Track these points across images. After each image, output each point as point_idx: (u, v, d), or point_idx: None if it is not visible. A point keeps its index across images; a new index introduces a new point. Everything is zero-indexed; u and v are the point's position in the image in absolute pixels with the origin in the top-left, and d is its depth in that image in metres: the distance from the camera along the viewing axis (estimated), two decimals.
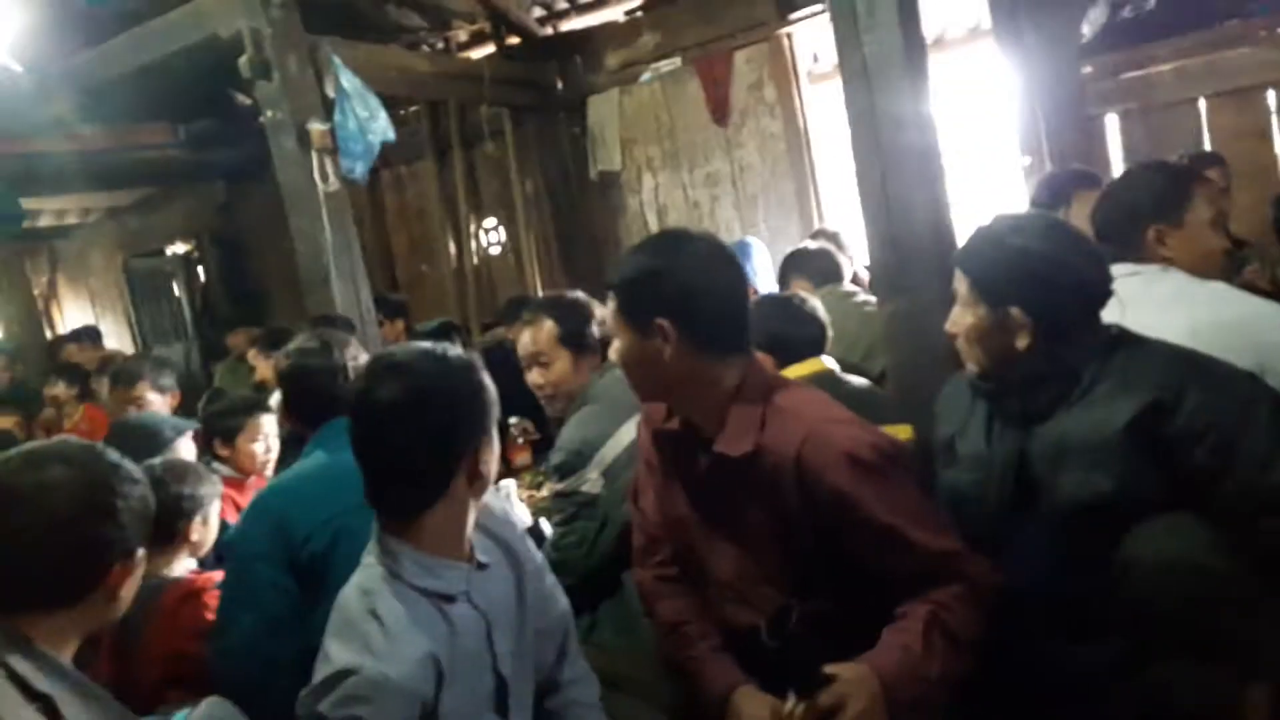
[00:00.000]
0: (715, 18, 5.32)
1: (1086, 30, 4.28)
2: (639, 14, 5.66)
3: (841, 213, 5.04)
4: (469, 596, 1.56)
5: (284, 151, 4.04)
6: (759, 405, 1.67)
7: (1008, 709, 1.67)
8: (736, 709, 1.65)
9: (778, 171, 5.36)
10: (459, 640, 1.52)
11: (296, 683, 1.47)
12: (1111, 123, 4.32)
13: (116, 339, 8.70)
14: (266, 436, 3.07)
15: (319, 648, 1.48)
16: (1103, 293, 1.68)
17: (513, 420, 3.63)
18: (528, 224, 6.24)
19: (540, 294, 6.12)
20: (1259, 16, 4.01)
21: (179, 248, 8.78)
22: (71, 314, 9.70)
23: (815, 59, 5.35)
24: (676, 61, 5.51)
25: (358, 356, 2.27)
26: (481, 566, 1.61)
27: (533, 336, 2.51)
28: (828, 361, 2.55)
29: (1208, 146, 4.05)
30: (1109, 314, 1.70)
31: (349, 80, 4.15)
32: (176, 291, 8.58)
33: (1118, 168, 4.20)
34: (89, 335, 7.34)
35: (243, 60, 3.95)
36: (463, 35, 6.18)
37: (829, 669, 1.46)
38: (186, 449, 2.97)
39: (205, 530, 2.37)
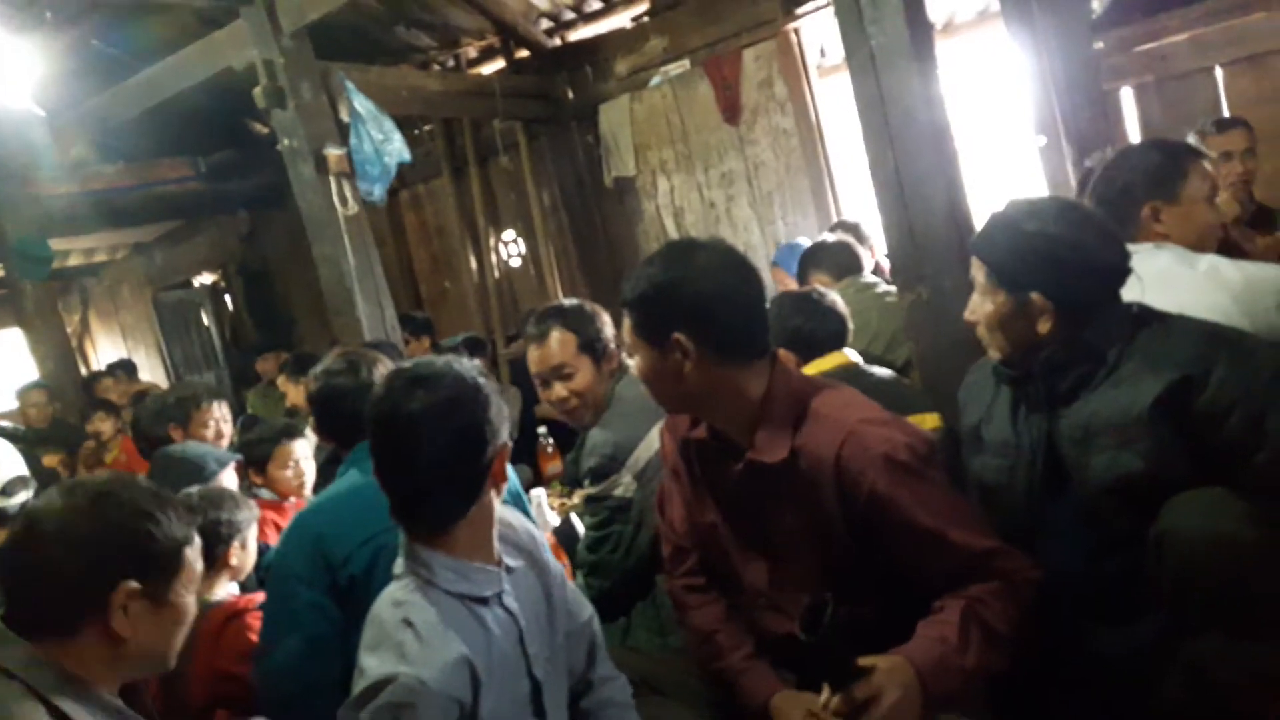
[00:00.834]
0: (721, 18, 5.32)
1: (1097, 5, 4.24)
2: (645, 19, 5.68)
3: (858, 205, 5.02)
4: (501, 599, 1.57)
5: (302, 178, 4.09)
6: (791, 409, 1.66)
7: (1041, 692, 1.66)
8: (777, 714, 1.66)
9: (792, 167, 5.36)
10: (494, 644, 1.53)
11: (339, 702, 1.48)
12: (1127, 97, 4.27)
13: (149, 371, 8.82)
14: (296, 462, 3.10)
15: None
16: (1122, 272, 1.67)
17: (541, 430, 3.64)
18: (546, 234, 6.27)
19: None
20: None
21: (206, 279, 8.90)
22: (105, 349, 9.85)
23: (823, 53, 5.34)
24: (685, 64, 5.52)
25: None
26: (509, 570, 1.62)
27: (549, 351, 2.42)
28: (851, 354, 2.55)
29: (1226, 115, 4.00)
30: (1129, 293, 1.69)
31: (362, 104, 4.20)
32: (205, 321, 8.68)
33: (1136, 142, 4.16)
34: (125, 369, 7.45)
35: (257, 90, 4.00)
36: (472, 52, 6.23)
37: (864, 661, 1.45)
38: (229, 480, 3.01)
39: (244, 554, 2.42)
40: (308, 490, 3.14)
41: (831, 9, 2.57)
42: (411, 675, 1.42)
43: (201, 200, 7.18)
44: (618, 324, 2.02)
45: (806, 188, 5.32)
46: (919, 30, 2.42)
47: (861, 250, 3.49)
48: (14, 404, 5.87)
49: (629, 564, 2.28)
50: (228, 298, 8.63)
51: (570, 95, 6.00)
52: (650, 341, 1.66)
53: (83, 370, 7.77)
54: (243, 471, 3.12)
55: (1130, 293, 1.68)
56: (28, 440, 3.77)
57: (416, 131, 6.53)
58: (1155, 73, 4.19)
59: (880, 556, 1.63)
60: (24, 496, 3.08)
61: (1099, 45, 4.21)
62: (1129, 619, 1.59)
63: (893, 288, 3.01)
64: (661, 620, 2.24)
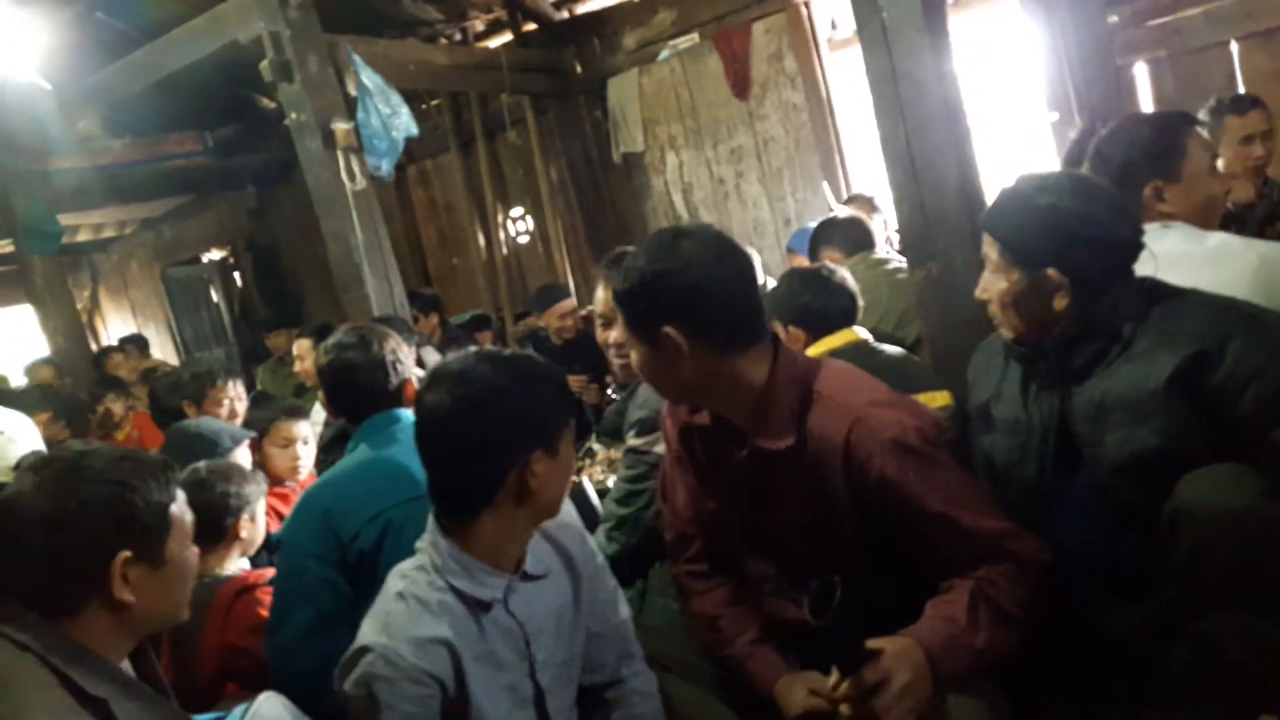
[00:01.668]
0: None
1: None
2: None
3: (869, 181, 4.98)
4: (506, 605, 1.57)
5: (310, 153, 4.07)
6: (796, 394, 1.64)
7: (1049, 670, 1.66)
8: (782, 702, 1.66)
9: (802, 143, 5.32)
10: (487, 643, 1.55)
11: None
12: (1141, 72, 4.23)
13: (159, 347, 8.84)
14: (293, 443, 3.09)
15: None
16: (1135, 246, 1.65)
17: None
18: (554, 211, 6.25)
19: (570, 279, 6.15)
20: None
21: (214, 254, 8.89)
22: (114, 325, 9.87)
23: (834, 26, 5.28)
24: (694, 37, 5.48)
25: (397, 350, 2.28)
26: (530, 577, 1.62)
27: (608, 295, 2.45)
28: (860, 331, 2.54)
29: (1241, 90, 3.95)
30: (1143, 269, 1.68)
31: (370, 77, 4.17)
32: (214, 298, 8.68)
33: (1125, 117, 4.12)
34: (136, 344, 7.48)
35: (264, 64, 3.99)
36: (479, 25, 6.18)
37: (872, 643, 1.45)
38: (243, 456, 3.02)
39: (254, 527, 2.43)
40: (303, 474, 3.13)
41: None
42: (388, 647, 1.46)
43: (209, 175, 7.17)
44: None
45: (816, 163, 5.28)
46: (932, 4, 2.39)
47: (876, 222, 3.47)
48: (24, 380, 5.90)
49: (659, 523, 2.27)
50: (236, 274, 8.63)
51: (578, 69, 5.96)
52: (642, 337, 1.63)
53: (93, 346, 7.80)
54: (256, 448, 3.13)
55: (1144, 270, 1.67)
56: (22, 404, 3.80)
57: (424, 106, 6.50)
58: (1169, 47, 4.14)
59: (889, 540, 1.63)
60: None
61: (1113, 19, 4.16)
62: (1139, 596, 1.59)
63: (904, 263, 2.99)
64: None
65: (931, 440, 1.60)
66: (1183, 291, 1.65)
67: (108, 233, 9.13)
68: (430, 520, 1.61)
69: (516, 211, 6.65)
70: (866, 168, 5.09)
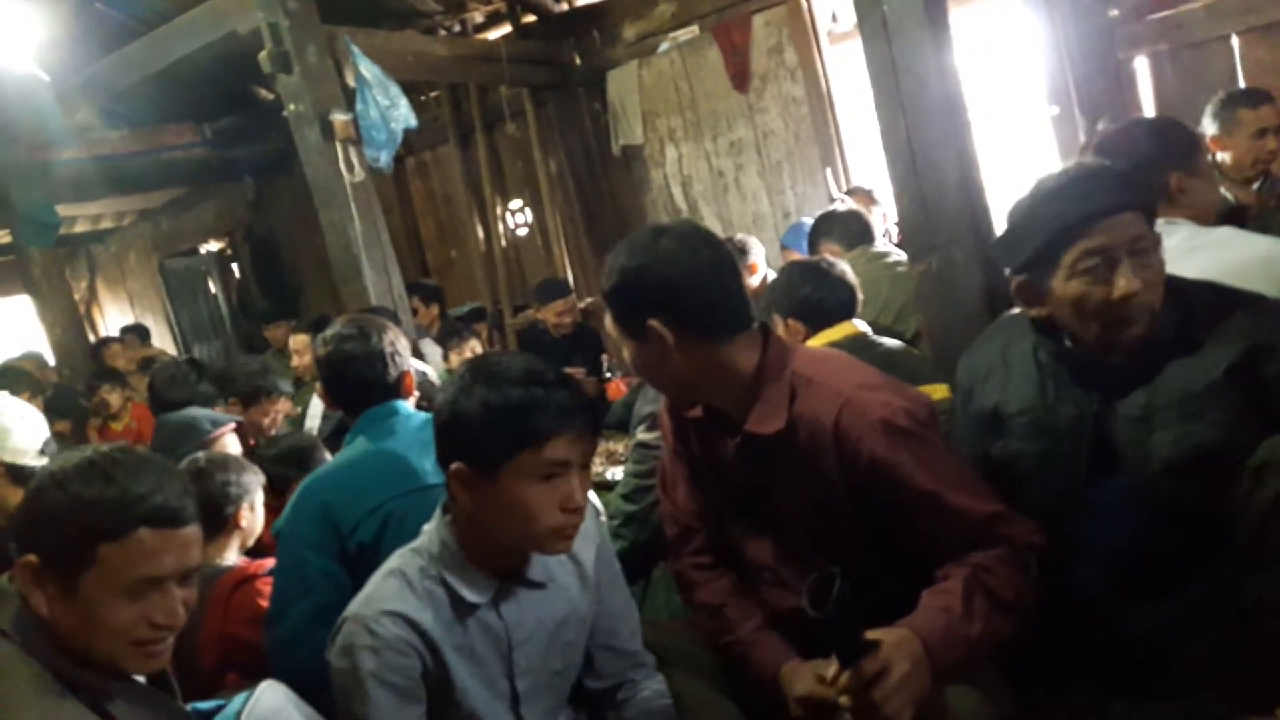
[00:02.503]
0: None
1: None
2: None
3: (869, 174, 4.98)
4: (495, 607, 1.58)
5: (309, 144, 4.07)
6: (786, 379, 1.65)
7: (1061, 667, 1.66)
8: (785, 686, 1.66)
9: (802, 136, 5.31)
10: (468, 638, 1.56)
11: None
12: (1142, 66, 4.22)
13: (157, 339, 8.83)
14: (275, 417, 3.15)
15: None
16: None
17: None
18: (553, 203, 6.24)
19: (569, 272, 6.15)
20: None
21: (212, 246, 8.89)
22: (112, 316, 9.87)
23: (834, 19, 5.27)
24: (694, 30, 5.46)
25: (395, 342, 2.27)
26: (534, 585, 1.62)
27: None
28: (860, 325, 2.54)
29: (1242, 84, 3.95)
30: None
31: (368, 69, 4.16)
32: (213, 289, 8.68)
33: (1150, 112, 4.12)
34: (137, 333, 7.47)
35: (262, 55, 3.98)
36: (478, 16, 6.17)
37: (870, 634, 1.44)
38: (232, 445, 3.02)
39: (253, 517, 2.42)
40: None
41: None
42: (369, 617, 1.50)
43: (208, 166, 7.16)
44: None
45: (816, 156, 5.28)
46: None
47: (875, 215, 3.47)
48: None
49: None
50: (235, 265, 8.62)
51: (578, 61, 5.95)
52: (629, 333, 1.66)
53: (90, 337, 7.80)
54: (243, 435, 3.13)
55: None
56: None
57: (423, 98, 6.47)
58: (1170, 41, 4.13)
59: (884, 526, 1.63)
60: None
61: (1113, 13, 4.15)
62: (1168, 592, 1.57)
63: (904, 257, 2.99)
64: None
65: (922, 421, 1.60)
66: (1216, 285, 1.64)
67: (106, 224, 9.13)
68: (438, 509, 1.62)
69: (515, 204, 6.65)
70: (866, 161, 5.09)
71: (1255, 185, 3.13)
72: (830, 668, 1.47)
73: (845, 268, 2.61)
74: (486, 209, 6.59)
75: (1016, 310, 1.83)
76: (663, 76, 5.67)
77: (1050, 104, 4.06)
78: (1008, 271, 2.60)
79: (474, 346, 4.55)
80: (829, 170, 5.17)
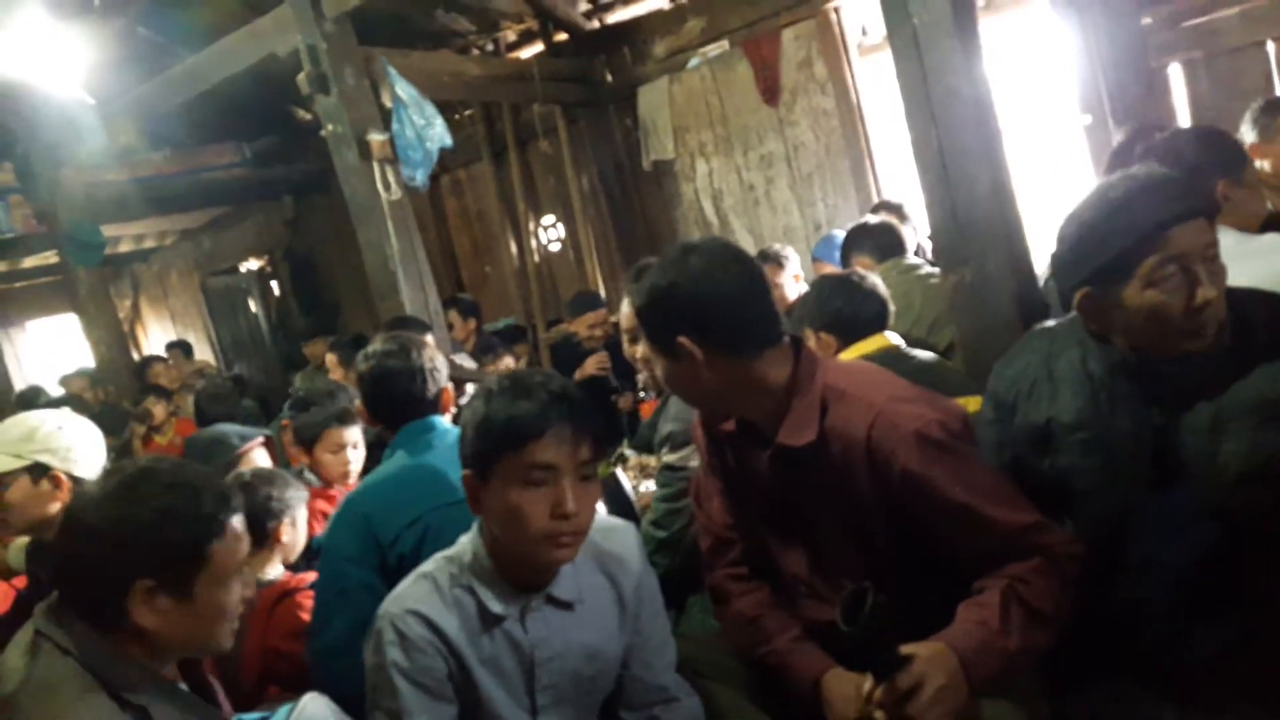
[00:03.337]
0: None
1: None
2: (683, 0, 5.65)
3: (900, 186, 4.97)
4: (522, 621, 1.60)
5: (346, 164, 4.13)
6: (817, 392, 1.65)
7: (1101, 675, 1.64)
8: (828, 692, 1.65)
9: (832, 149, 5.31)
10: (493, 648, 1.59)
11: None
12: (1176, 73, 4.18)
13: (199, 356, 8.99)
14: (343, 448, 3.06)
15: None
16: None
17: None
18: (585, 219, 6.29)
19: (601, 286, 6.18)
20: None
21: (252, 264, 9.02)
22: (155, 334, 10.04)
23: (864, 32, 5.28)
24: (724, 45, 5.49)
25: (435, 358, 2.31)
26: (562, 604, 1.63)
27: (632, 310, 2.46)
28: (892, 337, 2.53)
29: (1279, 91, 3.90)
30: None
31: (404, 89, 4.22)
32: (253, 307, 8.80)
33: (1184, 121, 4.07)
34: (180, 348, 7.60)
35: (301, 76, 4.05)
36: (511, 35, 6.24)
37: (905, 649, 1.44)
38: (261, 459, 3.07)
39: (294, 532, 2.46)
40: (353, 479, 3.14)
41: None
42: (397, 616, 1.55)
43: (247, 186, 7.29)
44: None
45: (847, 169, 5.28)
46: (962, 7, 2.39)
47: (905, 230, 3.47)
48: (59, 390, 6.01)
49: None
50: (274, 283, 8.75)
51: (609, 78, 6.00)
52: (662, 349, 1.68)
53: (134, 355, 7.94)
54: (273, 450, 3.16)
55: None
56: None
57: (456, 116, 6.56)
58: (1205, 48, 4.09)
59: (918, 536, 1.62)
60: None
61: (1146, 21, 4.12)
62: (1238, 608, 1.54)
63: (936, 269, 2.98)
64: None
65: (955, 433, 1.59)
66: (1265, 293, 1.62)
67: (148, 243, 9.31)
68: (476, 522, 1.65)
69: (548, 220, 6.70)
70: (897, 173, 5.08)
71: None
72: (867, 681, 1.47)
73: (876, 280, 2.61)
74: (519, 225, 6.65)
75: (1050, 322, 1.82)
76: (693, 92, 5.70)
77: (1082, 113, 4.04)
78: (1042, 282, 2.60)
79: (508, 362, 4.58)
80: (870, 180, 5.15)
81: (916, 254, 3.52)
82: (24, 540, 2.73)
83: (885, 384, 1.68)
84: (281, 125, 7.04)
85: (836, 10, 5.11)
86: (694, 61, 5.61)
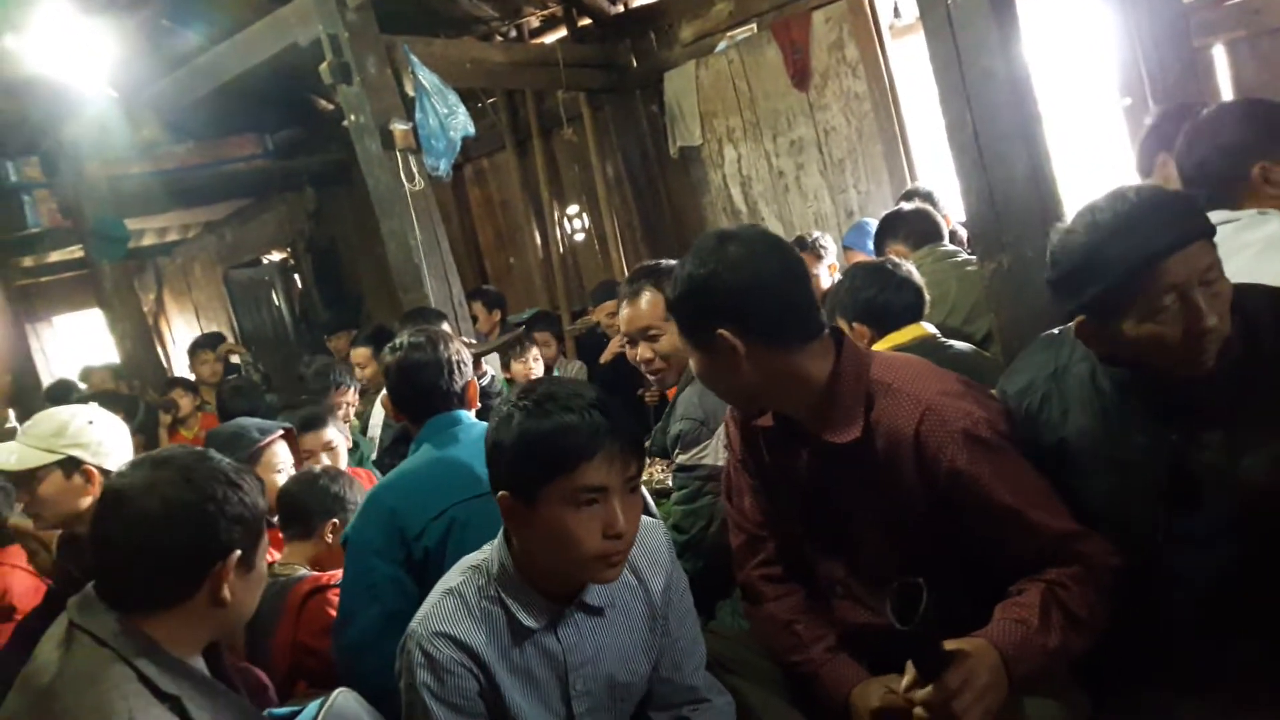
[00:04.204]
0: None
1: None
2: None
3: (934, 171, 4.88)
4: (554, 630, 1.57)
5: (369, 154, 4.11)
6: (862, 386, 1.62)
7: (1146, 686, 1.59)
8: (856, 709, 1.63)
9: (865, 133, 5.23)
10: (524, 659, 1.55)
11: None
12: (1219, 54, 4.07)
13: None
14: (314, 454, 3.06)
15: None
16: None
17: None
18: (610, 207, 6.24)
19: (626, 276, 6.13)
20: None
21: (275, 256, 9.05)
22: (179, 327, 10.10)
23: (897, 12, 5.18)
24: (752, 28, 5.41)
25: (461, 352, 2.29)
26: (594, 611, 1.60)
27: (638, 311, 2.42)
28: (928, 327, 2.48)
29: None
30: (1234, 261, 1.59)
31: (427, 77, 4.19)
32: (275, 299, 8.83)
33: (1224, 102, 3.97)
34: (211, 343, 7.60)
35: (323, 66, 4.02)
36: (534, 21, 6.20)
37: (949, 645, 1.42)
38: (282, 453, 3.02)
39: (335, 540, 2.45)
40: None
41: None
42: (425, 638, 1.51)
43: (269, 178, 7.30)
44: None
45: (880, 154, 5.19)
46: None
47: (938, 217, 3.39)
48: (80, 386, 6.03)
49: (725, 539, 2.23)
50: (297, 275, 8.76)
51: (634, 63, 5.94)
52: (697, 342, 1.63)
53: (158, 349, 7.98)
54: (293, 443, 3.14)
55: (1237, 261, 1.58)
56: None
57: (479, 104, 6.52)
58: (1248, 28, 3.98)
59: (957, 537, 1.59)
60: None
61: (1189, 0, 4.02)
62: (1268, 623, 1.49)
63: (972, 256, 2.92)
64: None
65: (1001, 432, 1.58)
66: None
67: (171, 236, 9.35)
68: (501, 530, 1.61)
69: (573, 209, 6.66)
70: (932, 158, 4.99)
71: None
72: (900, 680, 1.45)
73: (911, 268, 2.55)
74: (544, 214, 6.61)
75: (1056, 330, 1.76)
76: (721, 76, 5.63)
77: (1122, 95, 3.93)
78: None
79: (535, 354, 4.55)
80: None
81: (951, 241, 3.45)
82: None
83: (934, 378, 1.64)
84: (303, 116, 7.03)
85: None
86: (722, 45, 5.54)
